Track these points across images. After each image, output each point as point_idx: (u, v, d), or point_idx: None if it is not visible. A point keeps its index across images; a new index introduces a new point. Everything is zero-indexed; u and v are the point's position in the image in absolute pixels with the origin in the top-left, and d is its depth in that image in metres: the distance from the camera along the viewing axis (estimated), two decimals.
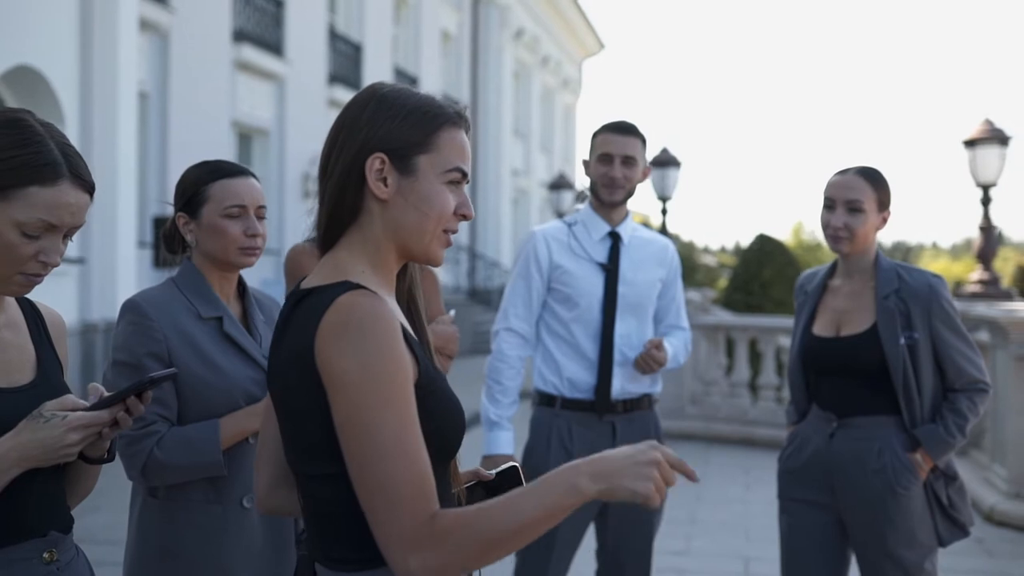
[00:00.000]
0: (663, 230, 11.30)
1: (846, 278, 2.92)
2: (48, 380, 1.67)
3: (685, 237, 33.11)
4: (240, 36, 13.86)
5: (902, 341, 2.75)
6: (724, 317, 10.22)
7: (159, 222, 9.74)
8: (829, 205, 2.85)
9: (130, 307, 2.10)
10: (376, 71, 18.37)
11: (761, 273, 12.55)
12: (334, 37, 17.18)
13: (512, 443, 3.09)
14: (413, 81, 20.24)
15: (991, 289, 8.21)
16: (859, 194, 2.80)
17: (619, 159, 3.04)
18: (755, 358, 9.81)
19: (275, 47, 14.96)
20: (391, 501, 1.25)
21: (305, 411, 1.34)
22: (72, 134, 8.92)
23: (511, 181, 25.59)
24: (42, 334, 1.72)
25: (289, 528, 2.20)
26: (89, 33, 9.14)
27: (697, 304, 9.81)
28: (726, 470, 7.73)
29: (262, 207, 2.21)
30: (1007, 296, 7.58)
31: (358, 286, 1.35)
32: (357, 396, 1.27)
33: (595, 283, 3.07)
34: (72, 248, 8.91)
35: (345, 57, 17.57)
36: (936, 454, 2.75)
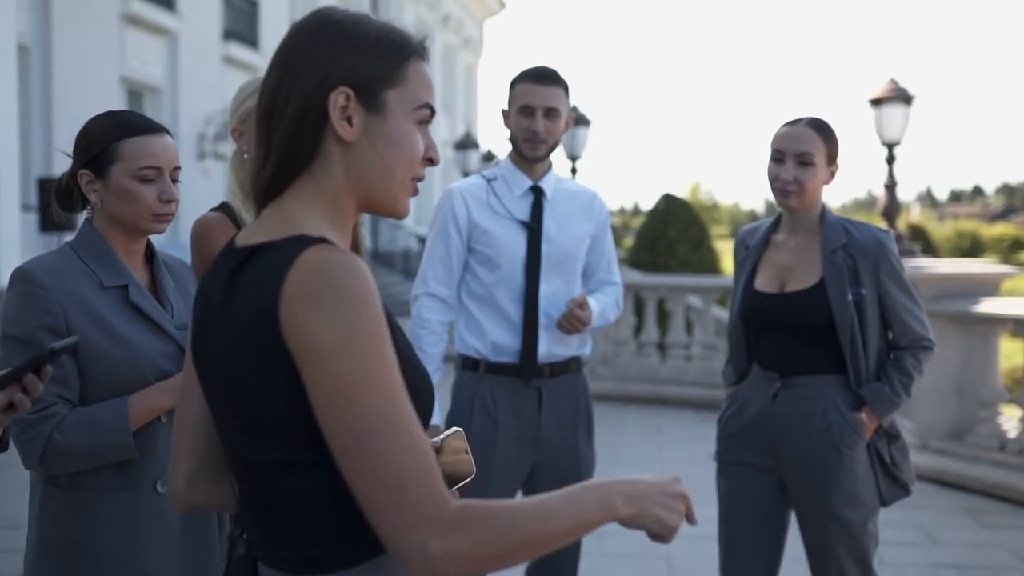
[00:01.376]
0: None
1: (791, 233, 2.81)
2: None
3: None
4: None
5: (850, 297, 2.67)
6: (634, 276, 10.21)
7: (44, 183, 9.23)
8: (778, 158, 2.72)
9: (21, 276, 1.86)
10: (273, 27, 17.75)
11: (667, 232, 12.65)
12: None
13: (439, 413, 2.92)
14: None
15: (896, 247, 8.34)
16: (809, 146, 2.68)
17: (541, 111, 2.85)
18: (663, 317, 9.84)
19: (165, 1, 14.28)
20: (400, 483, 1.06)
21: (265, 388, 1.13)
22: None
23: None
24: None
25: (210, 514, 1.98)
26: None
27: None
28: (640, 430, 7.73)
29: (177, 168, 2.00)
30: (910, 253, 7.72)
31: (320, 240, 1.15)
32: (344, 369, 1.07)
33: (517, 242, 2.89)
34: None
35: (240, 12, 16.91)
36: (881, 413, 2.69)
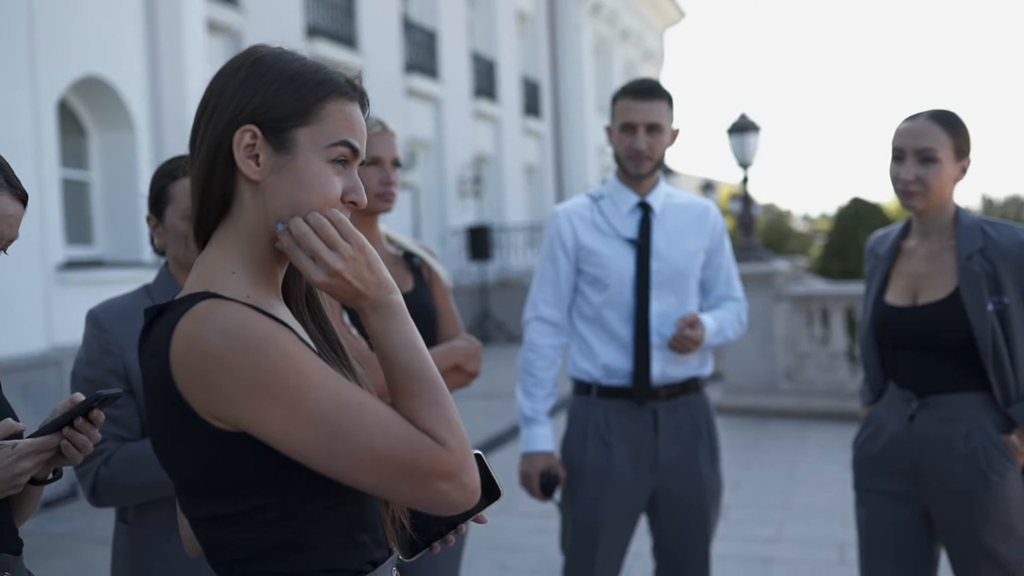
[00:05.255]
0: (745, 197, 10.89)
1: (922, 238, 2.57)
2: None
3: (780, 205, 32.15)
4: (313, 32, 13.88)
5: (990, 307, 2.40)
6: (816, 286, 9.77)
7: None
8: (898, 156, 2.51)
9: (89, 318, 1.98)
10: (452, 57, 18.27)
11: (856, 237, 12.06)
12: (408, 26, 17.10)
13: (551, 438, 2.86)
14: (490, 65, 20.08)
15: None
16: (931, 141, 2.45)
17: (643, 128, 2.74)
18: (852, 327, 9.33)
19: (348, 40, 14.95)
20: (392, 456, 1.11)
21: (180, 446, 1.17)
22: (143, 141, 9.02)
23: (597, 159, 25.23)
24: None
25: None
26: (155, 39, 9.21)
27: (786, 274, 9.39)
28: (823, 449, 7.32)
29: None
30: None
31: (209, 296, 1.15)
32: (273, 410, 1.09)
33: (625, 261, 2.79)
34: (150, 252, 9.01)
35: (420, 46, 17.49)
36: None
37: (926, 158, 2.46)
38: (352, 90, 1.24)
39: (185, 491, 1.20)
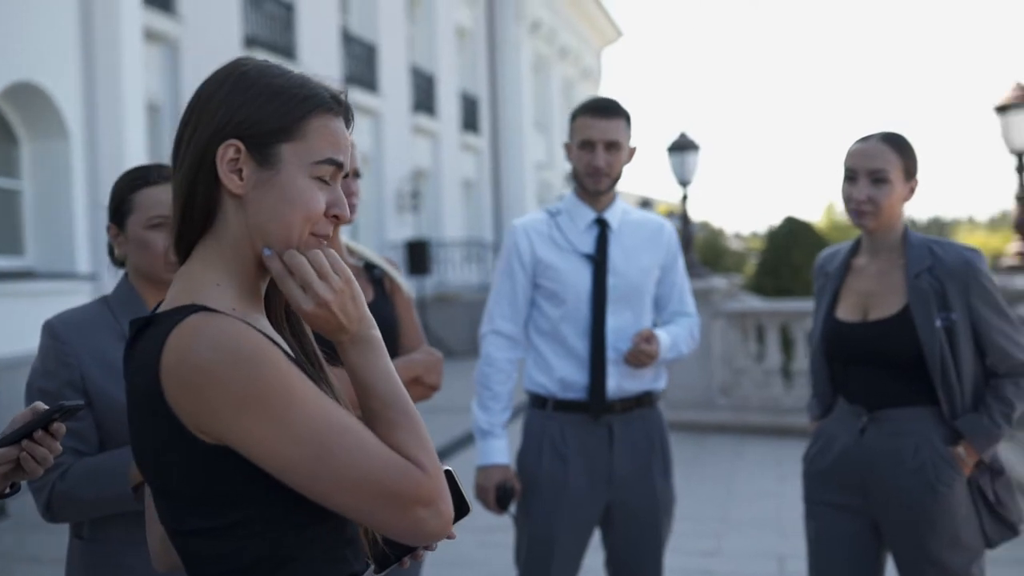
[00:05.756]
0: (684, 216, 11.05)
1: (872, 256, 2.64)
2: None
3: (714, 224, 32.69)
4: (251, 42, 13.73)
5: (938, 323, 2.47)
6: (752, 303, 9.94)
7: None
8: (851, 176, 2.57)
9: (45, 329, 1.91)
10: (392, 71, 18.22)
11: (790, 256, 12.31)
12: (348, 38, 17.03)
13: (507, 451, 2.87)
14: (430, 80, 20.08)
15: None
16: (883, 163, 2.52)
17: (602, 145, 2.78)
18: (787, 344, 9.51)
19: (287, 51, 14.82)
20: (374, 480, 1.12)
21: (164, 460, 1.15)
22: (77, 150, 8.82)
23: (535, 174, 25.35)
24: None
25: None
26: (91, 46, 9.02)
27: (724, 291, 9.54)
28: (759, 463, 7.45)
29: None
30: None
31: (198, 308, 1.14)
32: (261, 427, 1.09)
33: (582, 276, 2.82)
34: (83, 264, 8.81)
35: (359, 59, 17.42)
36: (981, 447, 2.47)
37: (878, 179, 2.52)
38: (337, 105, 1.24)
39: (168, 504, 1.19)
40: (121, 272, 2.08)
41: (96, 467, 1.83)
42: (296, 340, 1.31)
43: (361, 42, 17.54)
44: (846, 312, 2.64)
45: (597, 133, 2.77)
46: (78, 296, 8.88)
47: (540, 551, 2.81)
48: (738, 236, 39.86)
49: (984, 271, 2.52)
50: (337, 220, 1.24)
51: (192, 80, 12.29)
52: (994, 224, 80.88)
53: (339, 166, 1.22)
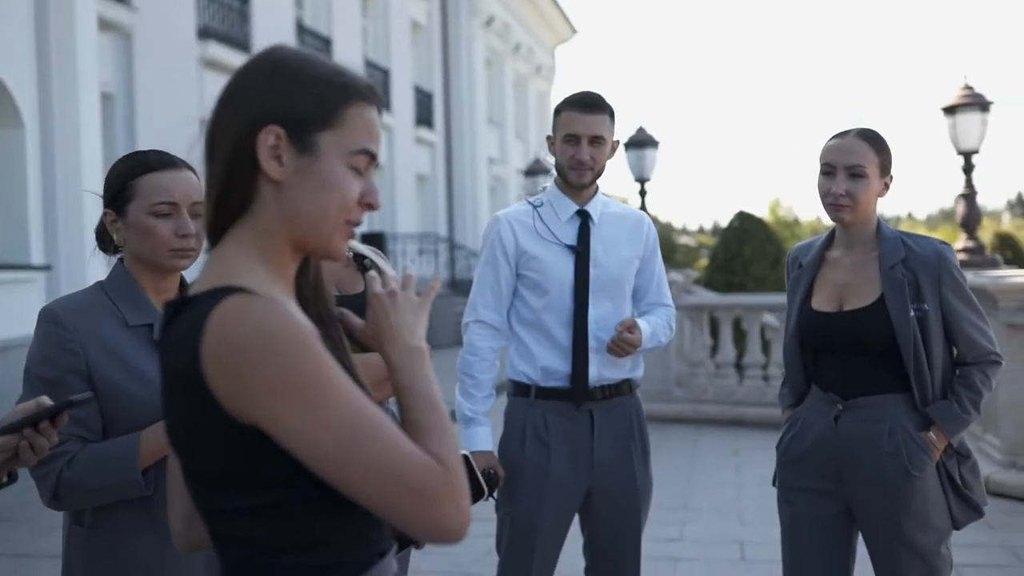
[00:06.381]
0: (642, 210, 11.16)
1: (846, 249, 2.74)
2: None
3: (663, 219, 32.93)
4: (205, 33, 13.59)
5: (912, 313, 2.58)
6: (707, 297, 10.10)
7: None
8: (828, 171, 2.66)
9: (44, 316, 1.88)
10: (346, 65, 18.06)
11: (742, 251, 12.52)
12: (302, 31, 16.92)
13: (490, 438, 2.93)
14: (385, 73, 20.02)
15: (976, 257, 8.08)
16: (860, 159, 2.61)
17: (586, 139, 2.84)
18: (739, 337, 9.70)
19: (242, 43, 14.68)
20: (397, 474, 1.13)
21: (200, 440, 1.17)
22: (32, 139, 8.68)
23: (488, 169, 25.38)
24: None
25: None
26: (45, 34, 8.88)
27: (680, 285, 9.69)
28: (716, 453, 7.61)
29: (197, 203, 1.96)
30: (993, 264, 7.48)
31: (237, 289, 1.15)
32: (295, 411, 1.10)
33: (565, 267, 2.89)
34: (38, 255, 8.69)
35: (314, 51, 17.27)
36: (951, 432, 2.59)
37: (855, 174, 2.62)
38: (372, 94, 1.27)
39: (202, 484, 1.20)
40: (106, 259, 2.06)
41: (104, 454, 1.82)
42: (322, 325, 1.31)
43: (316, 35, 17.44)
44: (821, 302, 2.73)
45: (582, 127, 2.84)
46: (31, 286, 8.76)
47: (522, 537, 2.87)
48: (686, 231, 40.27)
49: (955, 263, 2.64)
50: (369, 208, 1.26)
51: (146, 70, 12.14)
52: (932, 222, 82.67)
53: (373, 156, 1.25)
